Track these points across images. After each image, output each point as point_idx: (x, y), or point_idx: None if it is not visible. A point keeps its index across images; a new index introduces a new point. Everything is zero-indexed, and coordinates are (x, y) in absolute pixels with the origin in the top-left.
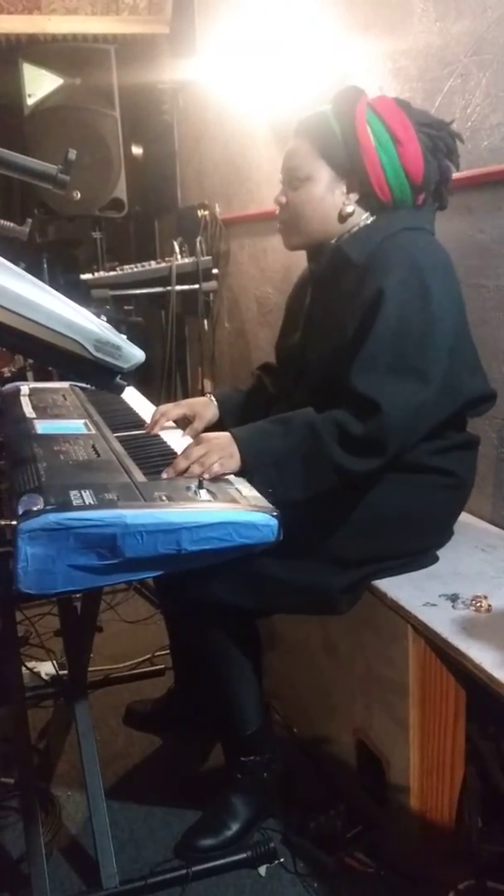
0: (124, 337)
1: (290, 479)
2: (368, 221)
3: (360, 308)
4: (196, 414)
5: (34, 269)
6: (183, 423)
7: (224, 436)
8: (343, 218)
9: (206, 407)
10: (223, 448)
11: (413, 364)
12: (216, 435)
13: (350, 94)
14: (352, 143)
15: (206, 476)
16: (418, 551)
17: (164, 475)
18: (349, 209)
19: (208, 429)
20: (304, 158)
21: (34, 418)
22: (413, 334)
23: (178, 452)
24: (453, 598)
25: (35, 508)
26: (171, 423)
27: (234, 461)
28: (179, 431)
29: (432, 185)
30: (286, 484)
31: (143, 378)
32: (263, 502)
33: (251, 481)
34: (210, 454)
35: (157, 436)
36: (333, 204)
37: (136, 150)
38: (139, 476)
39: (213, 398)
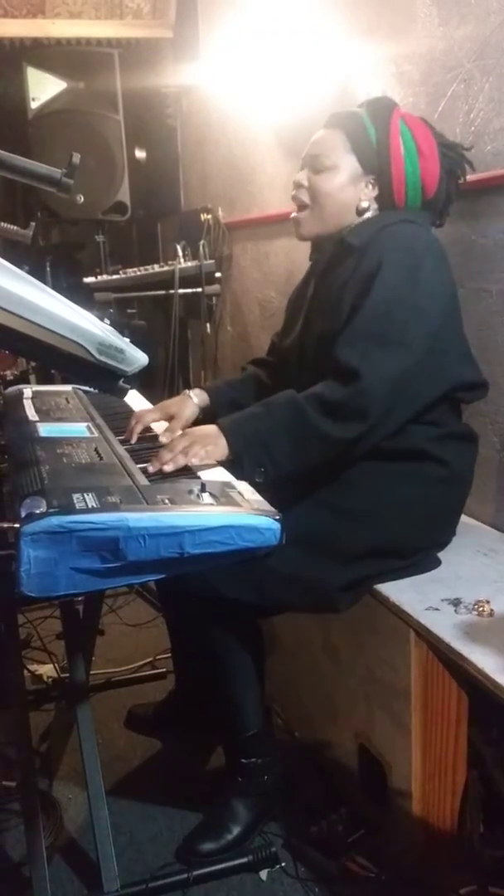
0: (127, 340)
1: (278, 455)
2: (372, 216)
3: (357, 285)
4: (172, 415)
5: (37, 273)
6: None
7: (209, 427)
8: (360, 212)
9: (181, 406)
10: (207, 437)
11: (395, 335)
12: (202, 427)
13: (387, 102)
14: (384, 146)
15: (194, 461)
16: (418, 550)
17: (150, 468)
18: (365, 204)
19: (194, 425)
20: (335, 147)
21: (37, 421)
22: (400, 308)
23: None
24: (455, 603)
25: (38, 511)
26: (164, 424)
27: (221, 449)
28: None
29: (440, 203)
30: (276, 461)
31: (146, 381)
32: (266, 506)
33: (241, 465)
34: (194, 445)
35: (158, 437)
36: (353, 196)
37: (140, 154)
38: (142, 479)
39: (192, 395)
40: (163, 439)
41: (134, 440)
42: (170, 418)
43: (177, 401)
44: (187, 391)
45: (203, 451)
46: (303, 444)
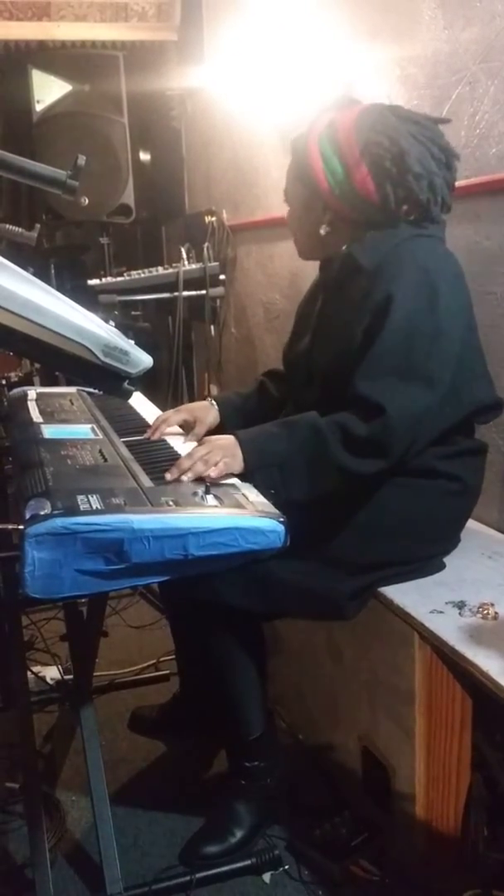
0: (132, 342)
1: (293, 480)
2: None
3: (369, 311)
4: (197, 419)
5: (42, 275)
6: (185, 428)
7: (227, 438)
8: (323, 240)
9: (206, 411)
10: (226, 449)
11: (419, 369)
12: (220, 437)
13: (314, 119)
14: (306, 171)
15: (212, 474)
16: (425, 558)
17: (168, 476)
18: (322, 231)
19: (210, 433)
20: (289, 178)
21: (41, 423)
22: (420, 340)
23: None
24: (460, 606)
25: (42, 513)
26: (176, 429)
27: (237, 462)
28: (184, 436)
29: (392, 203)
30: (289, 485)
31: (150, 383)
32: (270, 508)
33: (253, 482)
34: (213, 453)
35: (164, 440)
36: (313, 223)
37: (144, 156)
38: (146, 481)
39: (213, 402)
40: (179, 447)
41: (156, 437)
42: (194, 420)
43: (202, 405)
44: (209, 398)
45: (222, 462)
46: (319, 474)
